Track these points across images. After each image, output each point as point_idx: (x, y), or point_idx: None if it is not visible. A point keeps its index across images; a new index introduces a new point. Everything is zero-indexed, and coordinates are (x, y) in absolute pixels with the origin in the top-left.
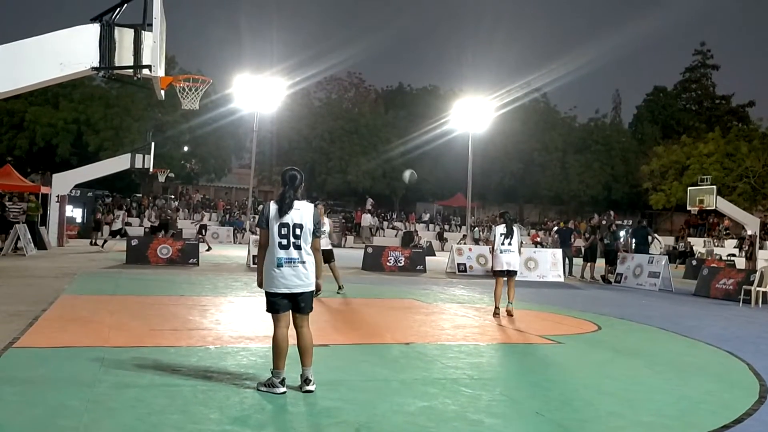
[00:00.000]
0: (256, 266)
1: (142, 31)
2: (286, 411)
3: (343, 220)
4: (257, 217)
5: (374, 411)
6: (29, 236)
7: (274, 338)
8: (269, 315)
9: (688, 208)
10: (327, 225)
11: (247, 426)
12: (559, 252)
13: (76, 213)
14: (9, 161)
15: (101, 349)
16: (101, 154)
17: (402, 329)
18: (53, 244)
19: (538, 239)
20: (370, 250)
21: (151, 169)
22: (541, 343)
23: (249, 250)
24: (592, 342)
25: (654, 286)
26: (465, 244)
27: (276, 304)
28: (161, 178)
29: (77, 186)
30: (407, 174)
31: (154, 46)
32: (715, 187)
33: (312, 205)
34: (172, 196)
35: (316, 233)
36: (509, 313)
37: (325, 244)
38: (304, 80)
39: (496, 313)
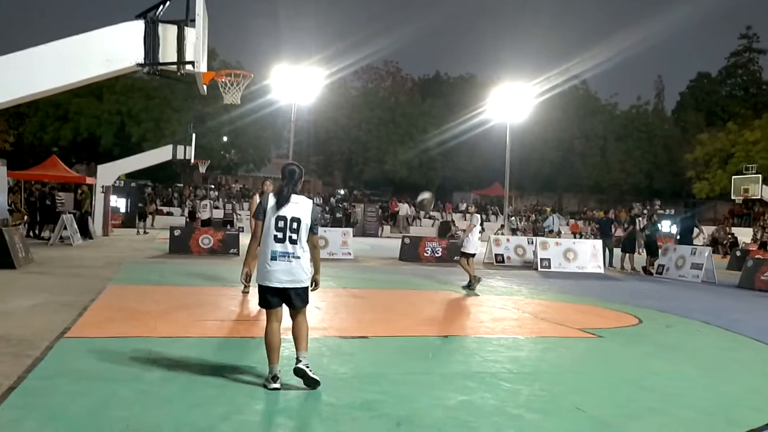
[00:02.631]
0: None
1: (185, 27)
2: (328, 403)
3: (380, 210)
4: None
5: (414, 405)
6: (75, 226)
7: (265, 333)
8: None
9: (733, 198)
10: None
11: (290, 417)
12: (599, 243)
13: (120, 203)
14: (54, 152)
15: (149, 340)
16: (143, 145)
17: (440, 322)
18: (99, 234)
19: (579, 230)
20: (407, 240)
21: (192, 160)
22: (581, 337)
23: None
24: (633, 336)
25: (696, 278)
26: (503, 234)
27: (268, 299)
28: (202, 169)
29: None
30: (426, 196)
31: (197, 42)
32: (760, 175)
33: (310, 200)
34: (212, 186)
35: (314, 230)
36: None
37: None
38: (341, 70)
39: (472, 285)
